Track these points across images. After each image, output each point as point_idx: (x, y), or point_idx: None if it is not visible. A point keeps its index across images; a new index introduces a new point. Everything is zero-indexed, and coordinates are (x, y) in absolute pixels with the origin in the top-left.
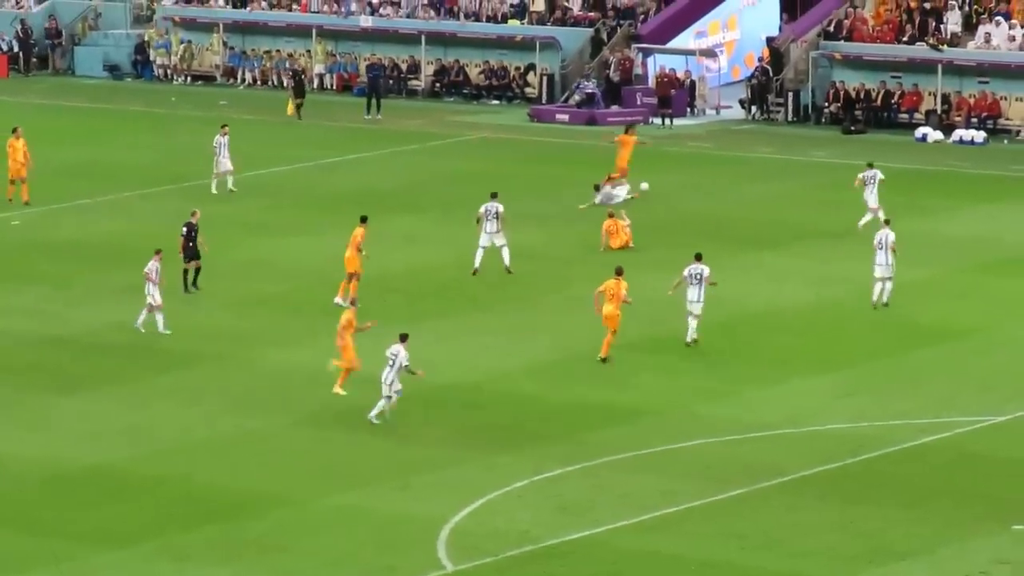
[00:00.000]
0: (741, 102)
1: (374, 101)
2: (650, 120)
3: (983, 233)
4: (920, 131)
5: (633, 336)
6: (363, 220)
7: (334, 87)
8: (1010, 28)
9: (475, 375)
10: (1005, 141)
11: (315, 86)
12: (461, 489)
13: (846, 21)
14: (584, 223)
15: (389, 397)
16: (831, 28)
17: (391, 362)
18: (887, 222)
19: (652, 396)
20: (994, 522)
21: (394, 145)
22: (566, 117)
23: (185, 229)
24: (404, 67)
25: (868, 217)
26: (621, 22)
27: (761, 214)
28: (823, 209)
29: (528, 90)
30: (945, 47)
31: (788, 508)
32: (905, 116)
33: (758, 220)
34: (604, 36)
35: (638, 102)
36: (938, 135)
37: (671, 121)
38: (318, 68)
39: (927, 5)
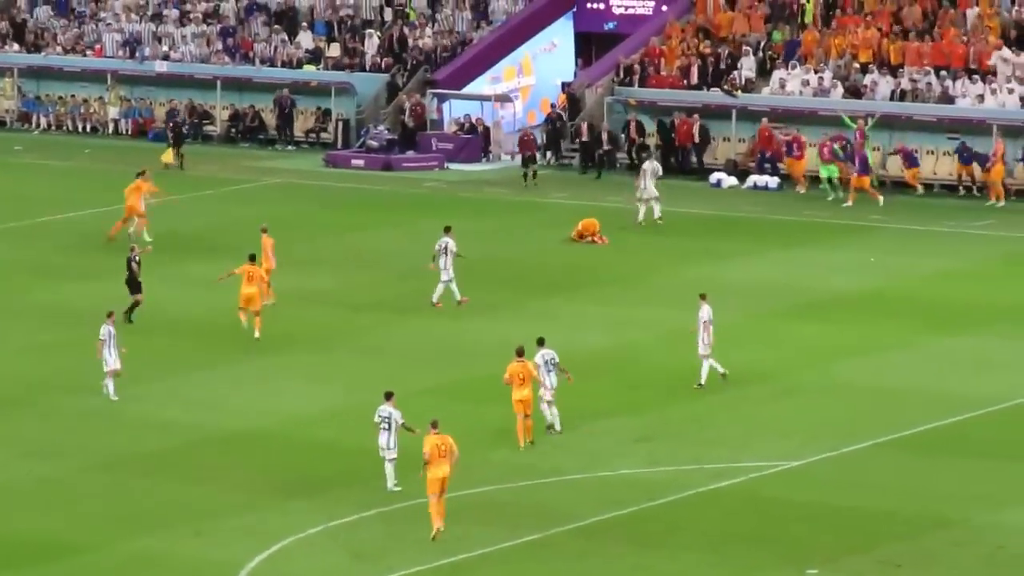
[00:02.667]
0: (545, 145)
1: (176, 147)
2: (444, 165)
3: (777, 279)
4: (714, 176)
5: (431, 382)
6: (251, 259)
7: (129, 132)
8: (804, 73)
9: (269, 419)
10: (797, 187)
11: (110, 131)
12: (257, 535)
13: (639, 65)
14: (378, 269)
15: (393, 459)
16: (622, 75)
17: (386, 425)
18: (703, 297)
19: None
20: (789, 566)
21: (192, 190)
22: (362, 163)
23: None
24: (200, 112)
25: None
26: (423, 67)
27: (556, 259)
28: (617, 253)
29: (324, 135)
30: (739, 92)
31: (580, 554)
32: (699, 162)
33: (554, 265)
34: (400, 82)
35: (433, 147)
36: (732, 180)
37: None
38: (112, 113)
39: (721, 51)
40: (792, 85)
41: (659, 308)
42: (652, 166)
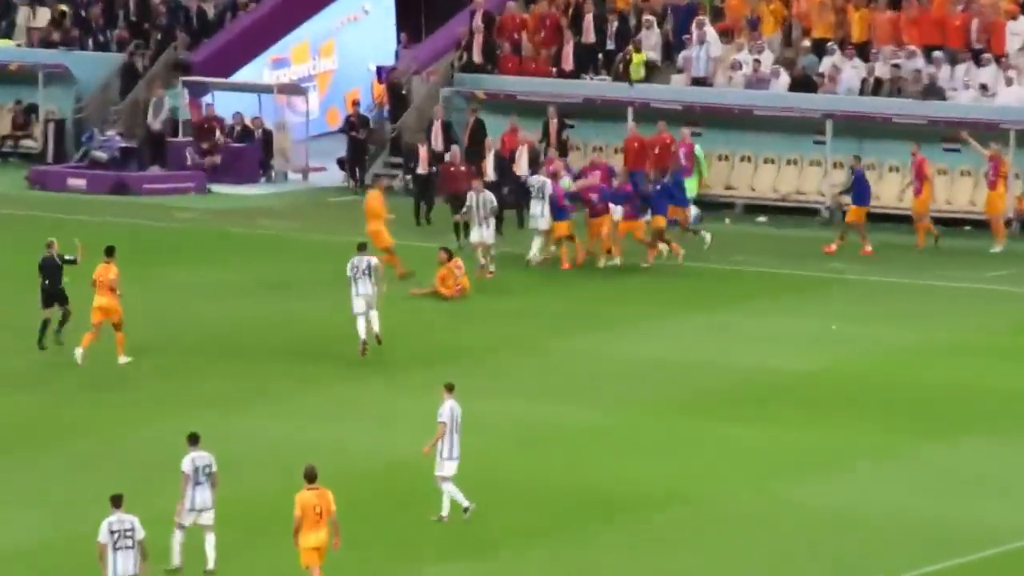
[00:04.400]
0: (341, 162)
1: None
2: (205, 188)
3: (692, 355)
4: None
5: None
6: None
7: None
8: (738, 51)
9: None
10: (727, 220)
11: None
12: None
13: (490, 43)
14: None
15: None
16: (465, 56)
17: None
18: (449, 389)
19: None
20: None
21: None
22: (83, 183)
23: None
24: None
25: None
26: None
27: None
28: (462, 321)
29: (27, 143)
30: (633, 83)
31: None
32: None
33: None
34: (140, 65)
35: (188, 161)
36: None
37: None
38: None
39: (611, 21)
40: (706, 65)
41: (517, 400)
42: (482, 196)
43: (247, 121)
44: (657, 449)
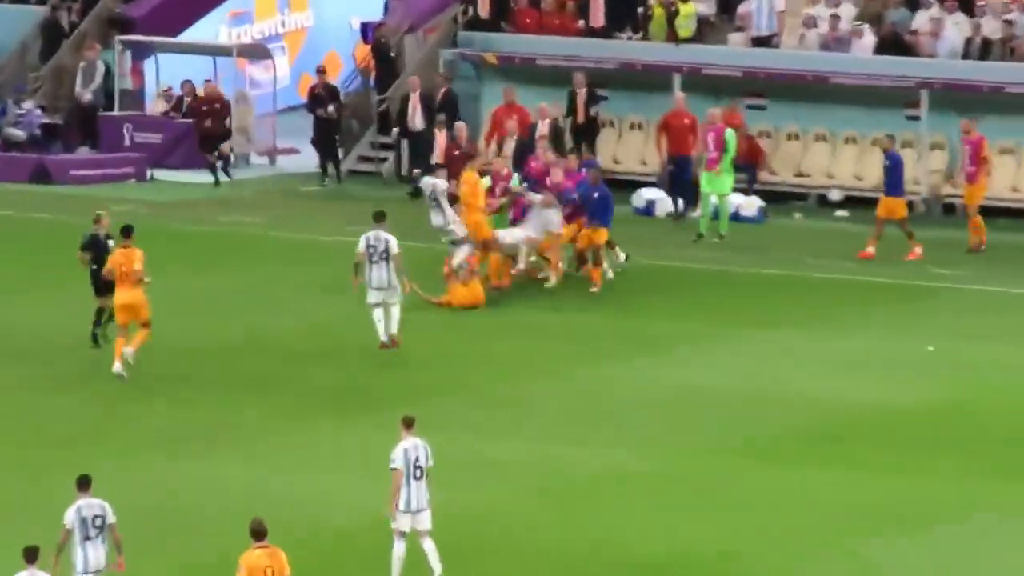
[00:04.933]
0: (315, 143)
1: None
2: (147, 174)
3: (747, 384)
4: (645, 195)
5: None
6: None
7: None
8: (811, 4)
9: None
10: (797, 215)
11: None
12: None
13: None
14: None
15: None
16: (470, 10)
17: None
18: (408, 425)
19: None
20: None
21: None
22: None
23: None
24: None
25: None
26: None
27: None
28: (467, 341)
29: None
30: (680, 42)
31: None
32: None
33: (327, 355)
34: (65, 21)
35: (126, 141)
36: (671, 204)
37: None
38: None
39: None
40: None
41: (536, 439)
42: (433, 181)
43: (199, 91)
44: (708, 501)
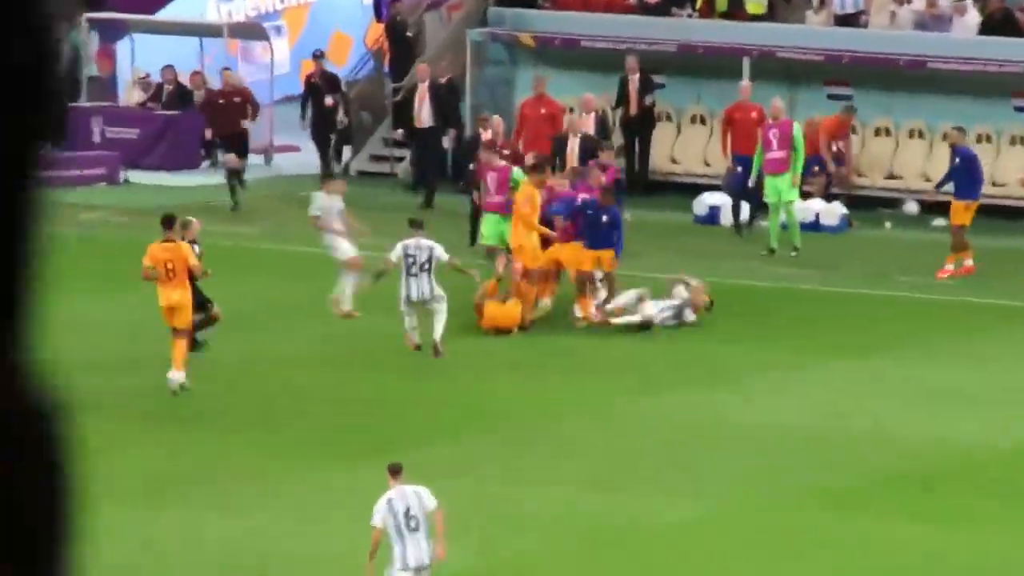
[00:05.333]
0: (314, 140)
1: None
2: (120, 176)
3: (840, 422)
4: (706, 200)
5: None
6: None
7: None
8: None
9: None
10: (888, 224)
11: None
12: None
13: None
14: None
15: None
16: None
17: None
18: (395, 473)
19: None
20: None
21: None
22: None
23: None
24: None
25: None
26: None
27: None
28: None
29: None
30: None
31: None
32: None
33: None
34: None
35: (95, 137)
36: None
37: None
38: None
39: None
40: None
41: (579, 485)
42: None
43: (182, 78)
44: (776, 557)
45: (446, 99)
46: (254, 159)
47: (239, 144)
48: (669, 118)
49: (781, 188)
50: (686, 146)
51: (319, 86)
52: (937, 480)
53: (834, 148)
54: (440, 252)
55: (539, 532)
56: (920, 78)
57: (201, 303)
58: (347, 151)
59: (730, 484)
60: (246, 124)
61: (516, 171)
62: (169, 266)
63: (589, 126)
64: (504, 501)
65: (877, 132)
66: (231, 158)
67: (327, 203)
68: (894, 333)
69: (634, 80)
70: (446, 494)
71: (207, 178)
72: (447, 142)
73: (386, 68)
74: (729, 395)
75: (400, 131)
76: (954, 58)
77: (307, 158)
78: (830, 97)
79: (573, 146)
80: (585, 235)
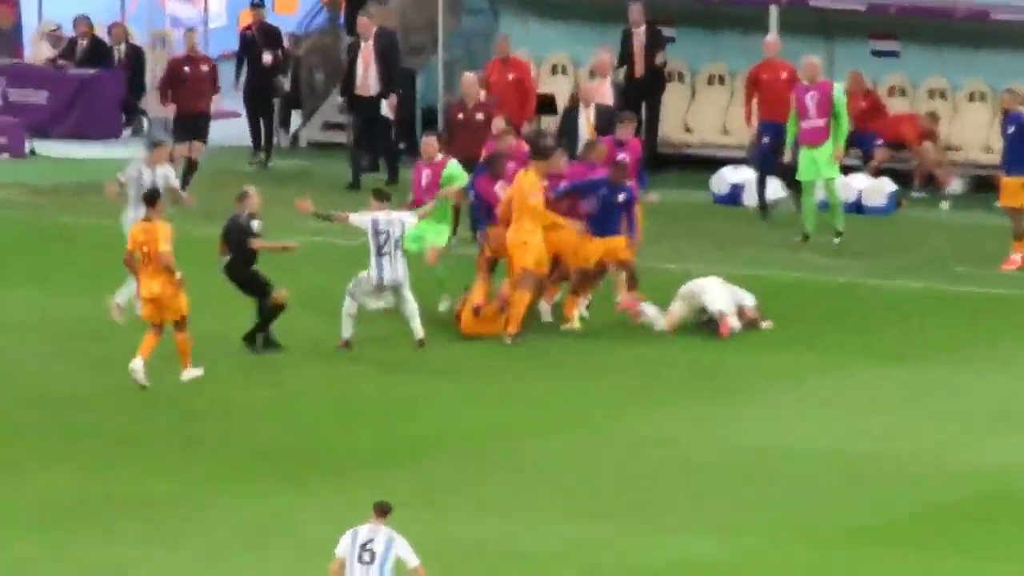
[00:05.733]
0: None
1: None
2: (27, 148)
3: (889, 444)
4: (727, 176)
5: None
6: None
7: None
8: None
9: None
10: (944, 204)
11: None
12: None
13: None
14: None
15: None
16: None
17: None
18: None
19: None
20: None
21: None
22: None
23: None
24: None
25: None
26: None
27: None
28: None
29: None
30: None
31: None
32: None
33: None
34: None
35: None
36: (776, 188)
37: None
38: None
39: None
40: None
41: (579, 520)
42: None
43: (99, 31)
44: None
45: (385, 54)
46: None
47: (203, 127)
48: (681, 79)
49: (820, 162)
50: (702, 113)
51: (255, 40)
52: (998, 513)
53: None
54: (411, 221)
55: (532, 572)
56: (981, 31)
57: (257, 285)
58: (296, 117)
59: (755, 516)
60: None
61: (452, 164)
62: (145, 250)
63: (605, 94)
64: (479, 538)
65: (930, 95)
66: (197, 147)
67: (138, 174)
68: (949, 336)
69: (639, 34)
70: (401, 525)
71: (129, 149)
72: (386, 109)
73: (341, 20)
74: (750, 409)
75: (340, 99)
76: (1019, 7)
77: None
78: (874, 54)
79: (588, 117)
80: (596, 220)
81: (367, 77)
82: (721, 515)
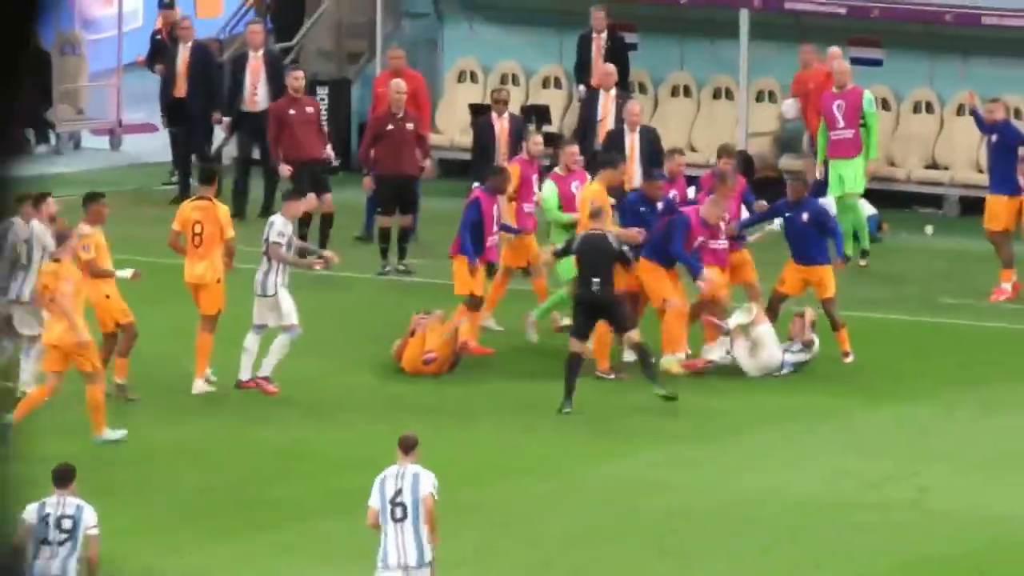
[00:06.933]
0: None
1: None
2: None
3: (910, 489)
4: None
5: None
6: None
7: None
8: None
9: None
10: (929, 229)
11: None
12: None
13: None
14: None
15: None
16: None
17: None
18: None
19: None
20: None
21: None
22: None
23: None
24: None
25: None
26: None
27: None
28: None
29: None
30: None
31: None
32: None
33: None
34: None
35: None
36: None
37: None
38: None
39: None
40: None
41: None
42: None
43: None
44: None
45: (201, 65)
46: (94, 140)
47: (322, 176)
48: (643, 90)
49: (845, 177)
50: (664, 126)
51: (167, 46)
52: (987, 567)
53: None
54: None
55: None
56: (972, 38)
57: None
58: (219, 132)
59: (733, 573)
60: None
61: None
62: (197, 229)
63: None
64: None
65: (916, 108)
66: (327, 199)
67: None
68: (935, 373)
69: (599, 40)
70: None
71: (31, 165)
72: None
73: (268, 22)
74: (742, 455)
75: (222, 117)
76: (1014, 11)
77: (167, 139)
78: (855, 62)
79: (633, 143)
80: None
81: (257, 90)
82: (696, 570)
